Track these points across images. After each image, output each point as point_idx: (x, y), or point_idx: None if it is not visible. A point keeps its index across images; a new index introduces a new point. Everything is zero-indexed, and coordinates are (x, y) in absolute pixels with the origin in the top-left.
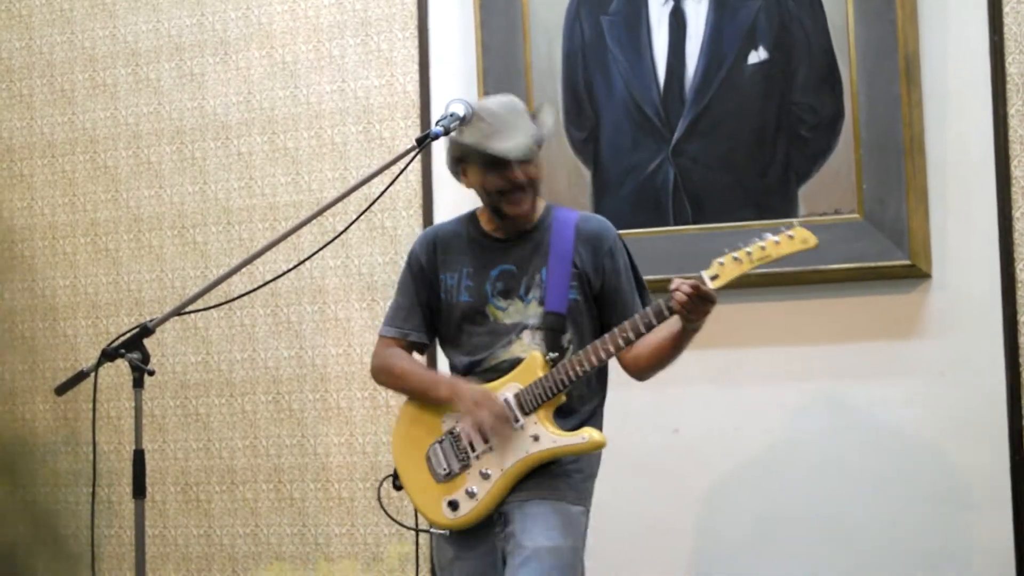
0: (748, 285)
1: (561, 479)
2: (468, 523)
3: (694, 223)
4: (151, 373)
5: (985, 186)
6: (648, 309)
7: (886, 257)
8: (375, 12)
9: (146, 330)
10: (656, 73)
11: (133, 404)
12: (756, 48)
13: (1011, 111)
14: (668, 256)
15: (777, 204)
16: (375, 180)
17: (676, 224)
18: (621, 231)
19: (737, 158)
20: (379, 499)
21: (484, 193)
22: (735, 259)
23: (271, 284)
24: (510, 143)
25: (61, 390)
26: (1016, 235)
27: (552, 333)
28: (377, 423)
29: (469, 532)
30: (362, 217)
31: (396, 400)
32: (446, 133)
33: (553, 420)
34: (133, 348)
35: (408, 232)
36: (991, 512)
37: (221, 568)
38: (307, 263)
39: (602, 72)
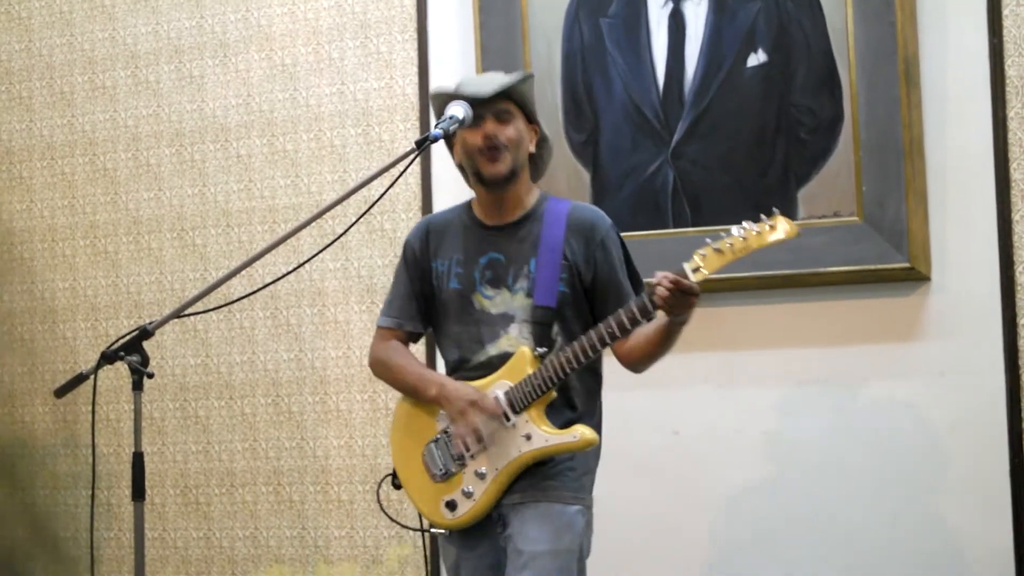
0: (748, 288)
1: (556, 478)
2: (466, 523)
3: (693, 225)
4: (150, 376)
5: (984, 189)
6: (632, 303)
7: (885, 260)
8: (374, 14)
9: (145, 332)
10: (655, 75)
11: (132, 406)
12: (755, 50)
13: (1010, 114)
14: (668, 258)
15: (776, 206)
16: (374, 182)
17: (675, 226)
18: (621, 233)
19: (736, 160)
20: (378, 500)
21: (468, 159)
22: (717, 251)
23: (270, 286)
24: (484, 87)
25: (60, 392)
26: (1015, 238)
27: (540, 327)
28: (377, 425)
29: (469, 532)
30: (361, 220)
31: (395, 402)
32: (445, 135)
33: (545, 417)
34: (132, 350)
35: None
36: (990, 514)
37: (220, 570)
38: (306, 265)
39: (601, 74)
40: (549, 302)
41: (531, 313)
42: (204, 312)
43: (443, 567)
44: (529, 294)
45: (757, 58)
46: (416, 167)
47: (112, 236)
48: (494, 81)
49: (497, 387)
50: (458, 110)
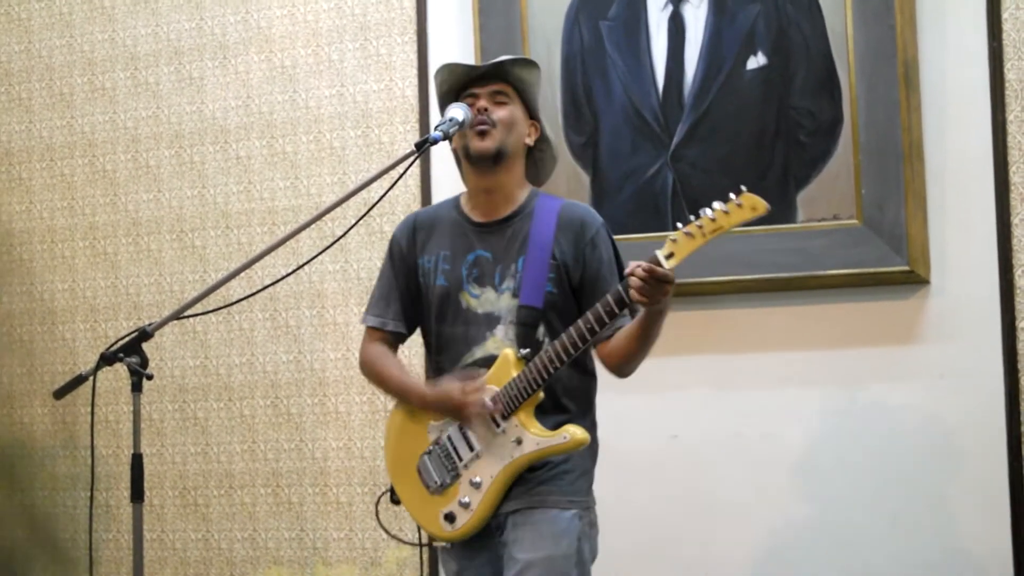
0: (747, 290)
1: (551, 483)
2: (466, 534)
3: None
4: (149, 377)
5: (984, 192)
6: (608, 296)
7: (885, 263)
8: (374, 17)
9: (145, 334)
10: (655, 78)
11: (131, 408)
12: (755, 53)
13: (1010, 117)
14: None
15: (776, 209)
16: (374, 185)
17: (675, 229)
18: (620, 236)
19: (736, 163)
20: (377, 517)
21: (461, 140)
22: (687, 235)
23: (270, 288)
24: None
25: (59, 394)
26: (1015, 241)
27: (525, 328)
28: (376, 427)
29: (469, 543)
30: (361, 222)
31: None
32: (445, 138)
33: (535, 420)
34: (131, 352)
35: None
36: (990, 516)
37: (219, 572)
38: (306, 267)
39: (601, 77)
40: (535, 302)
41: (516, 313)
42: (203, 314)
43: (442, 573)
44: (515, 294)
45: (757, 61)
46: (416, 169)
47: (111, 237)
48: (496, 59)
49: (483, 392)
50: (458, 112)
